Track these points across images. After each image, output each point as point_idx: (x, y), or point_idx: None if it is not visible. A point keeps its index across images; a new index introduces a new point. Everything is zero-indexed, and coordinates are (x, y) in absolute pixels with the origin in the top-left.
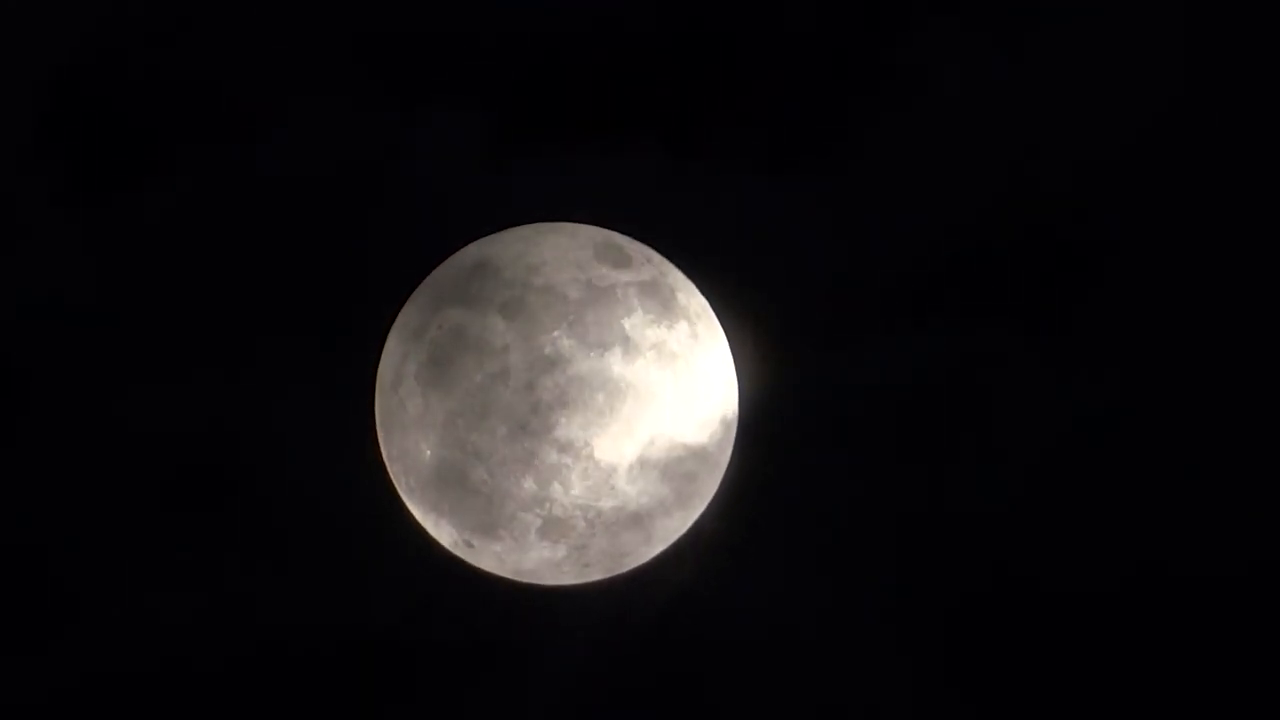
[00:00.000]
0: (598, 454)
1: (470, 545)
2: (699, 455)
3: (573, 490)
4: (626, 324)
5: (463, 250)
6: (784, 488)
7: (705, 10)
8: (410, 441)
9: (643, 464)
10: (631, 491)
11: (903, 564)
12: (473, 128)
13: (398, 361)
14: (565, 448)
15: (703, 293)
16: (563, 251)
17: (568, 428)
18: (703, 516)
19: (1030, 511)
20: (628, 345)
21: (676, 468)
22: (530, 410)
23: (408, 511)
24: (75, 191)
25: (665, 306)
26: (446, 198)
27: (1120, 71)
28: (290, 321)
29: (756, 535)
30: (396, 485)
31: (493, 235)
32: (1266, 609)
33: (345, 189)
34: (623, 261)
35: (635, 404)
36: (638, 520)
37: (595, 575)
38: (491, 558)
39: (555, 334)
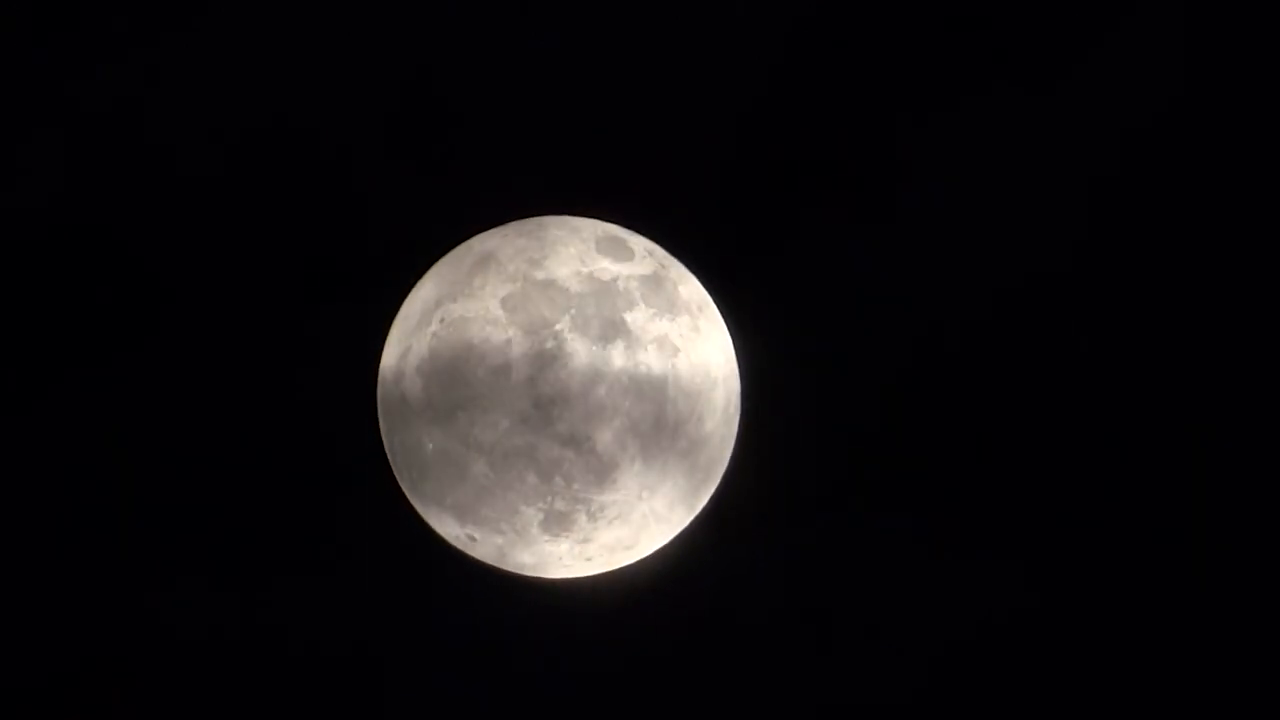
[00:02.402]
0: (599, 447)
1: (472, 539)
2: (707, 442)
3: (575, 484)
4: (629, 317)
5: (464, 244)
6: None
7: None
8: (412, 435)
9: (645, 458)
10: (634, 485)
11: None
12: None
13: (399, 354)
14: (567, 441)
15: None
16: (565, 244)
17: (569, 421)
18: (704, 513)
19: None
20: (630, 339)
21: (681, 461)
22: (532, 404)
23: (409, 505)
24: None
25: (668, 300)
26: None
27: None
28: (294, 308)
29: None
30: (399, 479)
31: (493, 229)
32: None
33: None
34: (624, 254)
35: (638, 399)
36: (641, 515)
37: (598, 569)
38: (493, 551)
39: (557, 327)
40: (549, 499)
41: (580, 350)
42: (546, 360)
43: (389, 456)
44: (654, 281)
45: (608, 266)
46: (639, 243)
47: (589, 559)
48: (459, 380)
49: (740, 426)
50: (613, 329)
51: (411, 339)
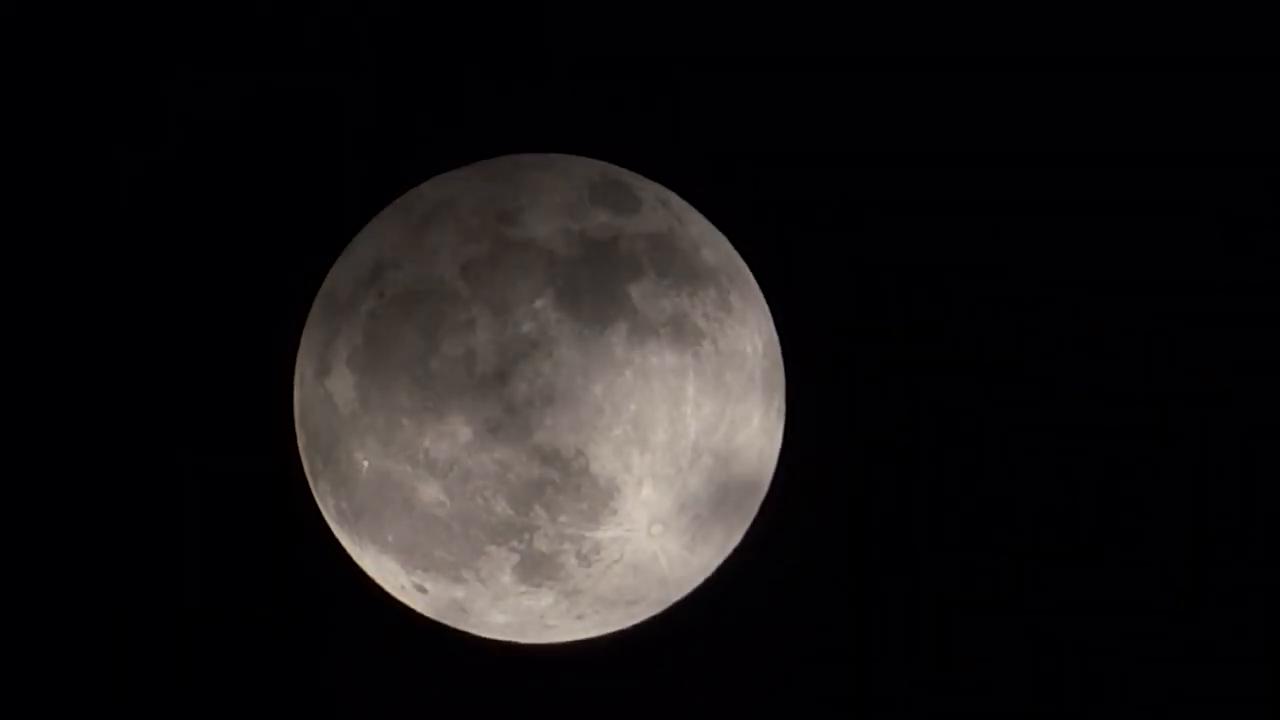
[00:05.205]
0: (594, 466)
1: (423, 590)
2: (737, 464)
3: (561, 516)
4: (634, 291)
5: (414, 191)
6: None
7: None
8: (341, 450)
9: (656, 480)
10: (641, 517)
11: None
12: None
13: (324, 342)
14: (551, 458)
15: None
16: (548, 192)
17: (554, 431)
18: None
19: None
20: (635, 320)
21: (705, 485)
22: (504, 408)
23: (338, 544)
24: None
25: (688, 267)
26: None
27: None
28: (182, 279)
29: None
30: (322, 508)
31: (453, 172)
32: None
33: None
34: (629, 205)
35: (647, 401)
36: (650, 557)
37: (591, 630)
38: (451, 606)
39: (537, 305)
40: (526, 536)
41: (568, 335)
42: (523, 349)
43: (309, 479)
44: (668, 242)
45: (606, 222)
46: (648, 189)
47: (579, 617)
48: (405, 376)
49: (786, 435)
50: (613, 307)
51: (340, 320)
